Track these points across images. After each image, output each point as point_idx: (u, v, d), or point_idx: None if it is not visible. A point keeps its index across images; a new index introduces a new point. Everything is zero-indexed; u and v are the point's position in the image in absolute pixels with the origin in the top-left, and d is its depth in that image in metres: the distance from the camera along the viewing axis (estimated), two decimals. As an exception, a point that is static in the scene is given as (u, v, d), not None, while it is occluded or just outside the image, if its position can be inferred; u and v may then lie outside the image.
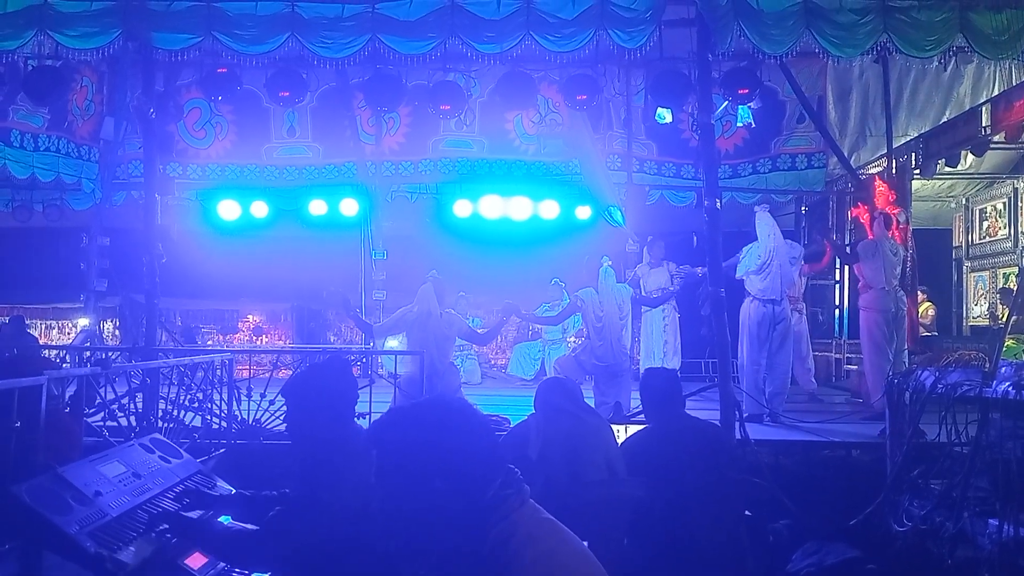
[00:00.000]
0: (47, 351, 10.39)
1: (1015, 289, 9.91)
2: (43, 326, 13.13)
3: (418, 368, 6.54)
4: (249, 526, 2.92)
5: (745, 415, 6.42)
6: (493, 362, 12.50)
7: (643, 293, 9.37)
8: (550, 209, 10.82)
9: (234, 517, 3.10)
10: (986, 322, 10.83)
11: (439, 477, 1.67)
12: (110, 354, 6.18)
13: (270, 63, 7.79)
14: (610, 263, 7.78)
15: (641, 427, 4.76)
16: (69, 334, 12.70)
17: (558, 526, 1.75)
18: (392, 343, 8.98)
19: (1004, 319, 9.86)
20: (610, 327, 7.34)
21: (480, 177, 10.66)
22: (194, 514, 3.06)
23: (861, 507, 5.03)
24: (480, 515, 1.66)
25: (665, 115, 9.40)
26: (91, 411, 4.26)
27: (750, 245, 7.74)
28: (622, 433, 5.03)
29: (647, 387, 4.31)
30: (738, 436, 6.03)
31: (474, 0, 6.68)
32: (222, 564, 2.94)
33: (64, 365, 7.34)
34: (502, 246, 11.21)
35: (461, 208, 10.81)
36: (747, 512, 4.34)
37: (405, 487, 1.69)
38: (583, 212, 10.84)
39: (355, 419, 3.08)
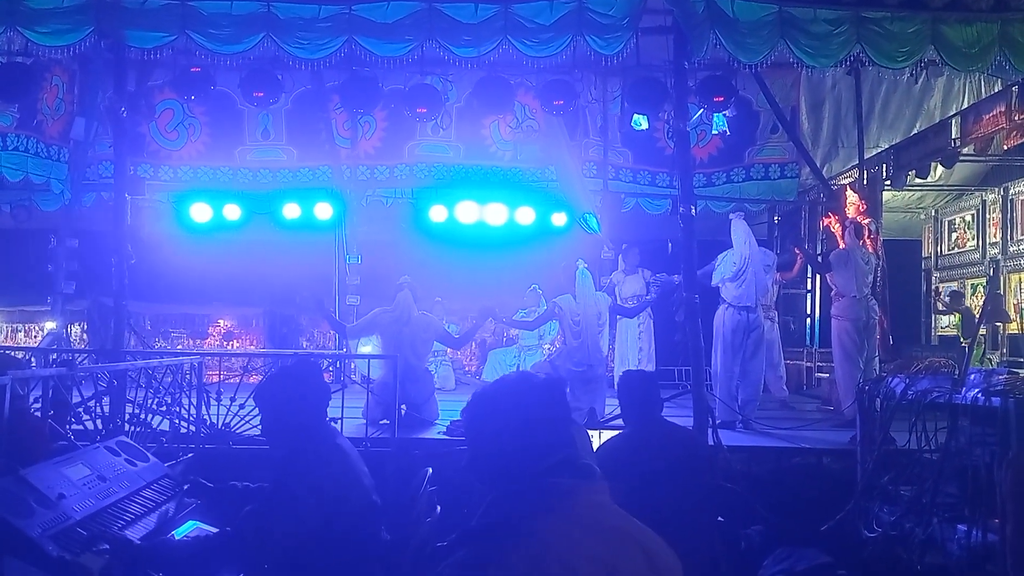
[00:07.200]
0: (14, 353, 10.17)
1: (983, 297, 10.07)
2: (8, 329, 12.84)
3: (391, 372, 6.49)
4: (212, 529, 2.85)
5: (718, 421, 6.46)
6: (467, 368, 12.42)
7: (618, 300, 9.39)
8: (526, 215, 10.82)
9: (201, 518, 3.04)
10: (954, 331, 10.97)
11: (508, 436, 1.71)
12: (75, 356, 6.06)
13: (244, 63, 7.68)
14: (586, 266, 7.80)
15: (616, 432, 4.75)
16: (36, 337, 12.43)
17: (598, 531, 1.61)
18: (366, 348, 8.90)
19: (958, 323, 10.00)
20: (588, 329, 7.38)
21: (456, 183, 10.63)
22: (137, 537, 2.84)
23: (832, 513, 5.05)
24: (523, 481, 1.65)
25: (642, 121, 9.43)
26: (52, 412, 4.17)
27: (725, 252, 7.79)
28: (596, 439, 5.02)
29: (625, 389, 4.30)
30: (711, 442, 6.06)
31: (452, 3, 6.66)
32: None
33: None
34: (478, 252, 11.16)
35: (437, 213, 10.78)
36: (720, 518, 4.34)
37: (481, 445, 1.76)
38: (559, 219, 10.86)
39: (327, 421, 3.04)
